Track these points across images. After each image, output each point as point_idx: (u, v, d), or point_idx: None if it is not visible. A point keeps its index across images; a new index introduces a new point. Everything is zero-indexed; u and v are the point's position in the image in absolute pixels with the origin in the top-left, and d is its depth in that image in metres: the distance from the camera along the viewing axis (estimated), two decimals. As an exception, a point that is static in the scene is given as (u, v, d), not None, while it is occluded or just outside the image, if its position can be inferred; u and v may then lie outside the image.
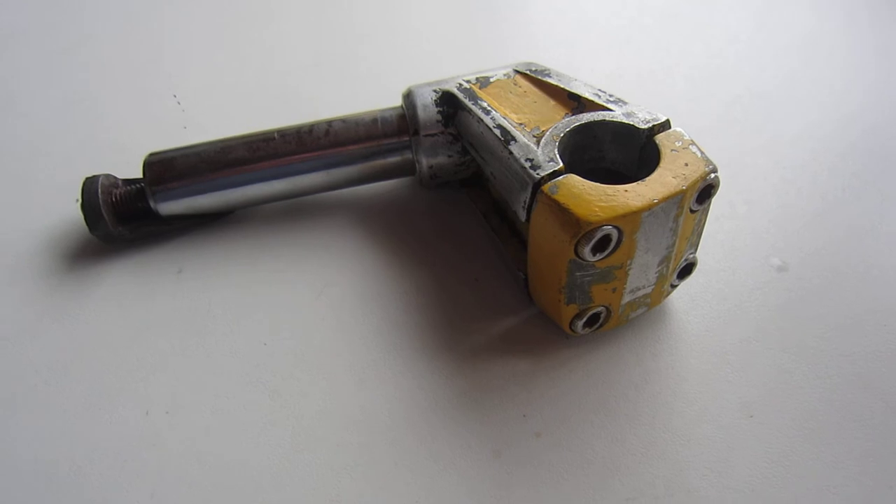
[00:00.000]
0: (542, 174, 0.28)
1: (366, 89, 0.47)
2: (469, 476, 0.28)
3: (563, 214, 0.27)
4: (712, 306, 0.34)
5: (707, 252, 0.35)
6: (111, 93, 0.48)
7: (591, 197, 0.27)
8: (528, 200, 0.28)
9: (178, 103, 0.45)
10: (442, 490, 0.28)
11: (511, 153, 0.29)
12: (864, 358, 0.32)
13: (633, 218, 0.27)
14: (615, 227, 0.26)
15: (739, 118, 0.44)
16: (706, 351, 0.32)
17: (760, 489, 0.27)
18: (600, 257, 0.27)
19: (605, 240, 0.27)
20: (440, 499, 0.27)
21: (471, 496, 0.27)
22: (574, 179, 0.28)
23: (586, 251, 0.27)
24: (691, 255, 0.32)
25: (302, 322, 0.33)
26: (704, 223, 0.31)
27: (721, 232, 0.36)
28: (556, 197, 0.27)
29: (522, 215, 0.29)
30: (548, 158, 0.29)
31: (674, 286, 0.32)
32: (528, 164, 0.29)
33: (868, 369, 0.31)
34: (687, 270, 0.32)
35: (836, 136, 0.43)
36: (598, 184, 0.27)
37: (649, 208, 0.27)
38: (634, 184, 0.27)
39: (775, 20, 0.54)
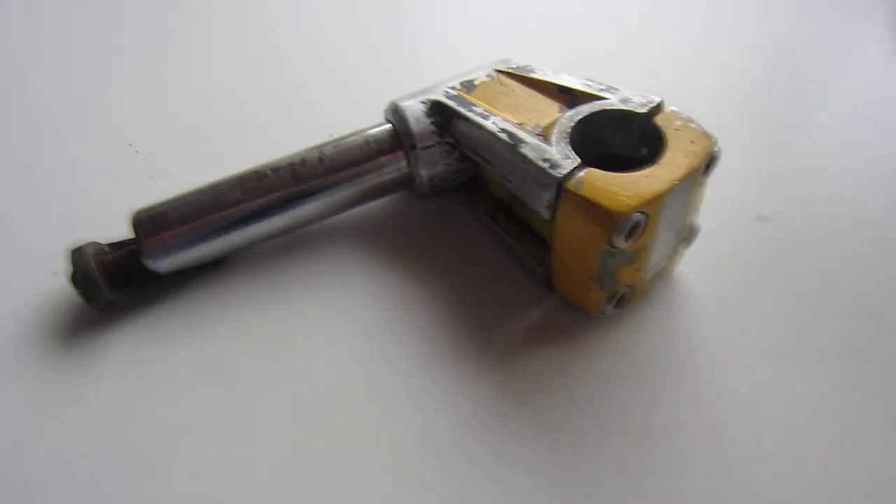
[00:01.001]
0: (564, 172, 0.29)
1: (325, 112, 0.46)
2: (539, 469, 0.29)
3: (594, 209, 0.28)
4: (713, 265, 0.36)
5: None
6: (64, 157, 0.44)
7: (616, 188, 0.28)
8: (552, 199, 0.29)
9: (137, 152, 0.42)
10: (510, 494, 0.28)
11: (525, 156, 0.30)
12: (859, 290, 0.35)
13: (657, 202, 0.28)
14: (643, 212, 0.28)
15: (697, 76, 0.47)
16: (717, 308, 0.34)
17: (795, 425, 0.30)
18: (631, 242, 0.29)
19: (636, 227, 0.28)
20: (520, 499, 0.28)
21: (546, 487, 0.28)
22: (595, 173, 0.29)
23: (620, 240, 0.28)
24: (694, 222, 0.34)
25: (332, 353, 0.33)
26: (704, 192, 0.33)
27: (707, 193, 0.39)
28: (582, 193, 0.28)
29: (547, 214, 0.30)
30: (564, 156, 0.30)
31: (681, 254, 0.34)
32: (546, 165, 0.29)
33: (865, 300, 0.34)
34: (691, 237, 0.34)
35: (785, 85, 0.46)
36: (618, 174, 0.29)
37: (671, 190, 0.28)
38: (651, 168, 0.29)
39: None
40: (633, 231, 0.28)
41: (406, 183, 0.36)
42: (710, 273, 0.36)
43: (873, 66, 0.48)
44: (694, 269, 0.36)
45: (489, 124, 0.32)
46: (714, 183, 0.39)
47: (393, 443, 0.30)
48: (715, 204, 0.38)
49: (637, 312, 0.34)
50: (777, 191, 0.39)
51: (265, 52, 0.53)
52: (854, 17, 0.52)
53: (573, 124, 0.31)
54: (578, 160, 0.29)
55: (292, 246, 0.37)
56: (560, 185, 0.29)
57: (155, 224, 0.33)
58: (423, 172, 0.35)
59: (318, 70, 0.51)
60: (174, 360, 0.33)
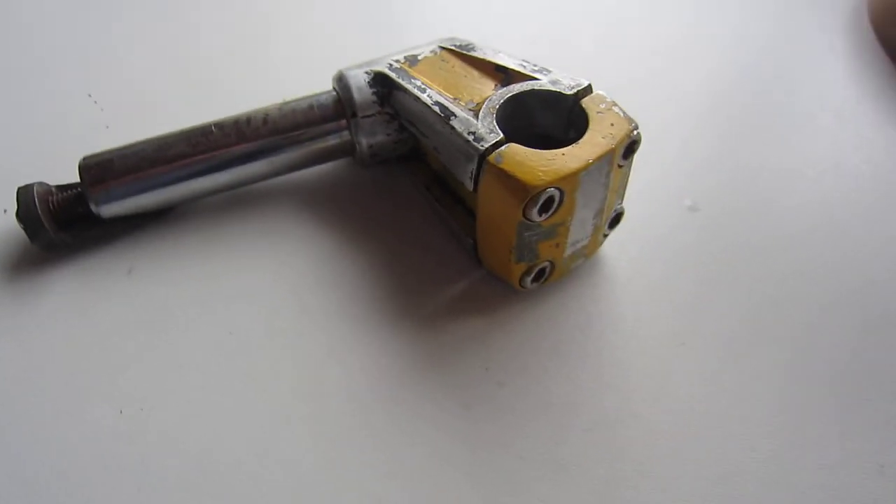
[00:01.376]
0: (487, 145, 0.30)
1: (283, 75, 0.47)
2: (443, 431, 0.30)
3: (510, 181, 0.29)
4: (638, 250, 0.37)
5: (630, 200, 0.38)
6: (22, 97, 0.46)
7: (534, 163, 0.29)
8: (475, 171, 0.31)
9: (95, 102, 0.43)
10: (421, 445, 0.30)
11: (453, 128, 0.31)
12: (770, 280, 0.36)
13: (572, 178, 0.29)
14: (557, 188, 0.29)
15: (648, 73, 0.48)
16: (637, 291, 0.36)
17: (697, 407, 0.31)
18: (546, 217, 0.30)
19: (550, 201, 0.29)
20: (421, 453, 0.30)
21: (449, 447, 0.30)
22: (516, 148, 0.30)
23: (534, 213, 0.29)
24: (619, 206, 0.35)
25: (264, 308, 0.34)
26: (629, 176, 0.34)
27: (639, 181, 0.40)
28: (501, 166, 0.29)
29: (470, 185, 0.31)
30: (489, 130, 0.31)
31: (605, 236, 0.36)
32: (471, 138, 0.31)
33: (775, 290, 0.36)
34: (616, 220, 0.35)
35: (728, 85, 0.48)
36: (538, 150, 0.30)
37: (586, 168, 0.29)
38: (569, 147, 0.30)
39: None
40: (547, 205, 0.29)
41: (348, 150, 0.37)
42: (636, 257, 0.37)
43: (819, 73, 0.49)
44: (620, 251, 0.37)
45: (425, 97, 0.33)
46: (648, 171, 0.40)
47: (315, 394, 0.32)
48: (648, 191, 0.40)
49: (560, 289, 0.35)
50: (709, 183, 0.41)
51: (234, 12, 0.54)
52: (807, 23, 0.53)
53: (502, 101, 0.32)
54: (501, 135, 0.31)
55: (236, 202, 0.39)
56: (482, 158, 0.30)
57: (101, 170, 0.34)
58: (364, 141, 0.36)
59: (285, 31, 0.52)
60: (112, 302, 0.35)
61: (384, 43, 0.41)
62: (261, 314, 0.34)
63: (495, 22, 0.54)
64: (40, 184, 0.35)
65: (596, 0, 0.56)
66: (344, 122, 0.36)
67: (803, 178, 0.41)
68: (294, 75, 0.45)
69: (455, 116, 0.32)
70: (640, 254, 0.37)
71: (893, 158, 0.42)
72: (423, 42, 0.38)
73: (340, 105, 0.36)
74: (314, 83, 0.38)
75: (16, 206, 0.34)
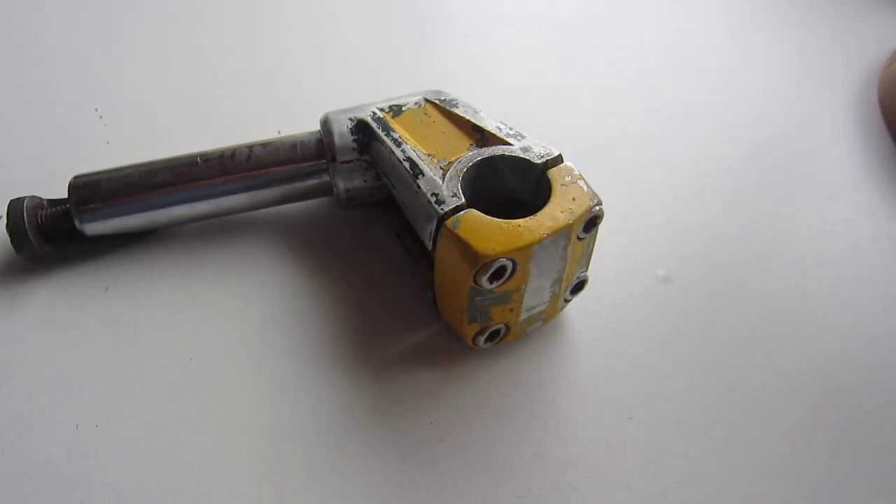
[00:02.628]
0: (446, 209, 0.31)
1: (286, 105, 0.49)
2: (377, 481, 0.31)
3: (464, 248, 0.30)
4: (603, 317, 0.37)
5: (600, 265, 0.38)
6: (31, 107, 0.48)
7: (489, 232, 0.30)
8: (433, 232, 0.31)
9: (101, 117, 0.45)
10: (352, 495, 0.31)
11: (419, 187, 0.32)
12: (731, 363, 0.36)
13: (525, 251, 0.30)
14: (510, 258, 0.30)
15: (637, 134, 0.48)
16: (595, 359, 0.36)
17: (635, 484, 0.31)
18: (497, 285, 0.30)
19: (501, 270, 0.30)
20: (354, 501, 0.30)
21: (382, 497, 0.30)
22: (475, 215, 0.31)
23: (484, 280, 0.30)
24: (583, 274, 0.35)
25: (227, 338, 0.36)
26: (593, 246, 0.34)
27: (614, 246, 0.40)
28: (457, 231, 0.30)
29: (429, 244, 0.32)
30: (451, 193, 0.31)
31: (567, 300, 0.36)
32: (433, 199, 0.31)
33: (734, 373, 0.35)
34: (579, 287, 0.36)
35: (721, 153, 0.47)
36: (494, 219, 0.30)
37: (539, 241, 0.30)
38: (527, 218, 0.31)
39: (670, 38, 0.58)
40: (498, 274, 0.30)
41: (327, 190, 0.38)
42: (598, 323, 0.37)
43: (818, 149, 0.48)
44: (583, 315, 0.37)
45: (398, 151, 0.34)
46: (626, 235, 0.41)
47: (264, 428, 0.33)
48: (622, 256, 0.40)
49: (517, 349, 0.36)
50: (687, 253, 0.40)
51: (248, 44, 0.56)
52: (813, 95, 0.52)
53: (470, 164, 0.33)
54: (462, 200, 0.31)
55: (216, 230, 0.40)
56: (440, 221, 0.31)
57: (88, 191, 0.36)
58: (341, 184, 0.37)
59: (291, 64, 0.54)
60: (86, 316, 0.36)
61: (385, 85, 0.42)
62: (223, 343, 0.35)
63: (498, 67, 0.54)
64: (31, 198, 0.37)
65: (598, 55, 0.56)
66: (324, 163, 0.37)
67: (785, 260, 0.40)
68: (294, 108, 0.46)
69: (423, 175, 0.33)
70: (604, 320, 0.37)
71: (880, 247, 0.41)
72: (416, 91, 0.39)
73: (322, 147, 0.37)
74: (314, 116, 0.39)
75: (5, 218, 0.36)
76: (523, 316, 0.34)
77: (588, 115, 0.50)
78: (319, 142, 0.37)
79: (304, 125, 0.39)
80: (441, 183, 0.32)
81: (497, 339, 0.34)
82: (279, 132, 0.40)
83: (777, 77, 0.54)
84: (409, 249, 0.37)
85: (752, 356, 0.36)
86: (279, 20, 0.58)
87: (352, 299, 0.37)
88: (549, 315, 0.35)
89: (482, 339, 0.34)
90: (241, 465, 0.31)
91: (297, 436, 0.32)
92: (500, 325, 0.33)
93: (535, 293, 0.33)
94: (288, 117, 0.41)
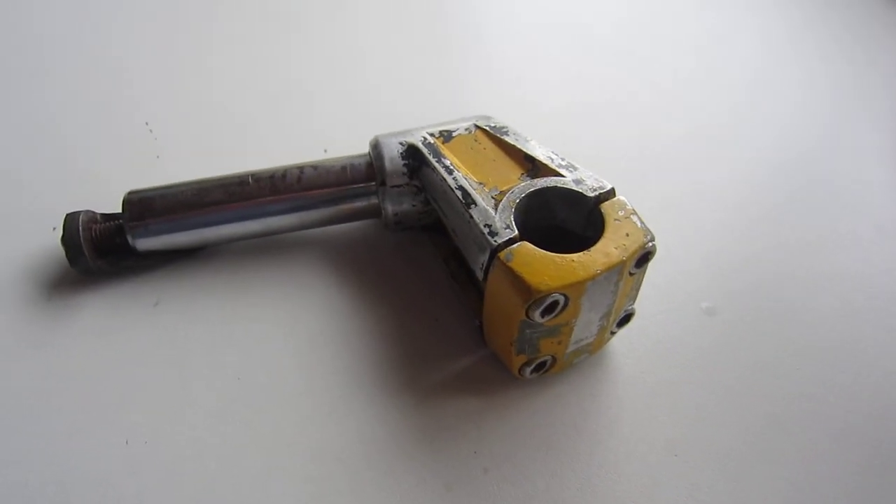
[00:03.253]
0: (500, 241, 0.31)
1: (331, 125, 0.49)
2: (429, 508, 0.31)
3: (517, 281, 0.30)
4: (647, 349, 0.37)
5: (645, 296, 0.38)
6: (83, 121, 0.49)
7: (542, 266, 0.30)
8: (485, 263, 0.31)
9: (151, 131, 0.46)
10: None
11: (472, 217, 0.32)
12: (780, 399, 0.35)
13: (578, 286, 0.30)
14: (563, 293, 0.30)
15: (683, 158, 0.48)
16: (639, 392, 0.36)
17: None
18: (549, 318, 0.30)
19: (554, 305, 0.30)
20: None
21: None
22: (528, 248, 0.31)
23: (536, 314, 0.30)
24: (630, 308, 0.35)
25: (273, 358, 0.36)
26: (642, 280, 0.34)
27: (659, 276, 0.40)
28: (510, 264, 0.30)
29: (480, 275, 0.32)
30: (504, 225, 0.32)
31: (613, 333, 0.36)
32: (486, 230, 0.31)
33: (783, 410, 0.35)
34: (626, 320, 0.36)
35: (772, 180, 0.47)
36: (548, 253, 0.30)
37: (593, 278, 0.30)
38: (580, 253, 0.30)
39: (720, 58, 0.58)
40: (551, 308, 0.30)
41: (375, 213, 0.38)
42: (642, 356, 0.37)
43: (865, 181, 0.48)
44: (628, 349, 0.37)
45: (450, 179, 0.34)
46: (671, 267, 0.40)
47: (309, 451, 0.33)
48: (667, 288, 0.40)
49: (561, 381, 0.36)
50: (732, 286, 0.40)
51: (295, 60, 0.57)
52: (858, 124, 0.52)
53: (523, 195, 0.33)
54: (516, 232, 0.31)
55: (265, 248, 0.40)
56: (494, 252, 0.31)
57: (142, 207, 0.37)
58: (390, 208, 0.37)
59: (342, 83, 0.54)
60: (136, 331, 0.37)
61: (427, 106, 0.42)
62: (270, 364, 0.36)
63: (535, 89, 0.54)
64: (86, 212, 0.37)
65: (633, 77, 0.56)
66: (374, 186, 0.37)
67: (832, 295, 0.40)
68: (339, 128, 0.46)
69: (475, 205, 0.33)
70: (648, 353, 0.37)
71: (929, 285, 0.41)
72: (466, 115, 0.39)
73: (371, 170, 0.37)
74: (361, 136, 0.40)
75: (61, 231, 0.36)
76: (570, 348, 0.34)
77: (631, 137, 0.50)
78: (369, 165, 0.37)
79: (350, 144, 0.40)
80: (493, 213, 0.32)
81: (543, 370, 0.34)
82: (325, 151, 0.40)
83: (824, 107, 0.53)
84: (456, 275, 0.37)
85: (798, 392, 0.36)
86: (323, 45, 0.58)
87: (397, 322, 0.37)
88: (596, 347, 0.35)
89: (528, 370, 0.34)
90: (289, 486, 0.32)
91: (344, 459, 0.33)
92: (547, 357, 0.33)
93: (585, 326, 0.33)
94: (334, 136, 0.41)
